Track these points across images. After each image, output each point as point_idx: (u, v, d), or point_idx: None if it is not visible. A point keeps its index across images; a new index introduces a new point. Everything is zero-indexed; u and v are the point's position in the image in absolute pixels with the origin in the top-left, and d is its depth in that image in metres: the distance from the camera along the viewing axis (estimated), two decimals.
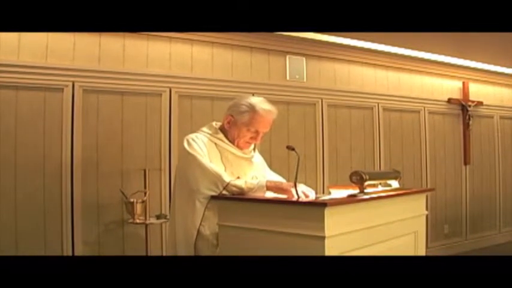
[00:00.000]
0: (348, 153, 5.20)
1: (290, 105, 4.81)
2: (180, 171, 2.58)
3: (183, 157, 2.56)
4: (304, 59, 4.93)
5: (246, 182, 2.43)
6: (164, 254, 3.91)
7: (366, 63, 5.39)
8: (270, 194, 2.45)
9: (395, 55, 5.50)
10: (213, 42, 4.37)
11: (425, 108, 5.90)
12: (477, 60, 6.13)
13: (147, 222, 3.68)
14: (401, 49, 5.46)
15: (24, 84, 3.52)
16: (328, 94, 5.05)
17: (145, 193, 3.72)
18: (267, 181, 2.49)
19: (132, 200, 3.65)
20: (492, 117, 6.65)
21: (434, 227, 5.86)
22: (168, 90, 4.11)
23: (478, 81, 6.46)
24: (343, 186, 2.62)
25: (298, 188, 2.31)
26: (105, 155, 3.81)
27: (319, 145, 4.98)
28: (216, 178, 2.38)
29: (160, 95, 4.08)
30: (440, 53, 5.76)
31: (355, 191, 2.30)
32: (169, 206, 3.33)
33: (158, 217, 3.81)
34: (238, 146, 2.59)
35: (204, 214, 2.41)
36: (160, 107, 4.08)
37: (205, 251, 2.42)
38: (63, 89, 3.66)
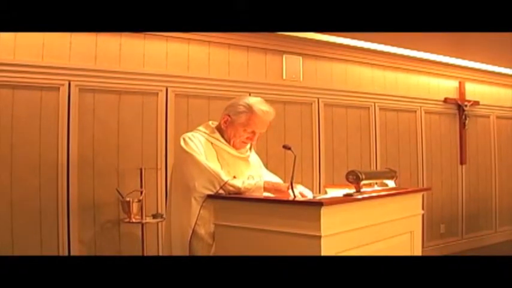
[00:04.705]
0: (345, 153, 5.21)
1: (286, 104, 4.81)
2: (177, 170, 2.58)
3: (179, 155, 2.56)
4: (300, 58, 4.93)
5: (243, 182, 2.44)
6: (160, 254, 3.91)
7: (362, 62, 5.39)
8: (267, 195, 2.46)
9: (392, 55, 5.51)
10: (209, 42, 4.37)
11: (422, 108, 5.91)
12: (474, 60, 6.15)
13: (144, 221, 3.68)
14: (398, 49, 5.47)
15: (21, 84, 3.51)
16: (325, 93, 5.06)
17: (141, 192, 3.72)
18: (265, 182, 2.50)
19: (128, 199, 3.65)
20: (488, 117, 6.67)
21: (430, 226, 5.87)
22: (164, 89, 4.11)
23: (474, 81, 6.47)
24: (340, 185, 2.63)
25: (296, 189, 2.32)
26: (101, 154, 3.81)
27: (315, 144, 4.98)
28: (214, 177, 2.39)
29: (157, 94, 4.08)
30: (436, 53, 5.77)
31: (352, 190, 2.30)
32: (166, 205, 3.33)
33: (154, 216, 3.81)
34: (234, 146, 2.60)
35: (199, 213, 2.41)
36: (156, 106, 4.07)
37: (200, 250, 2.42)
38: (59, 88, 3.65)
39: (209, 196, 2.39)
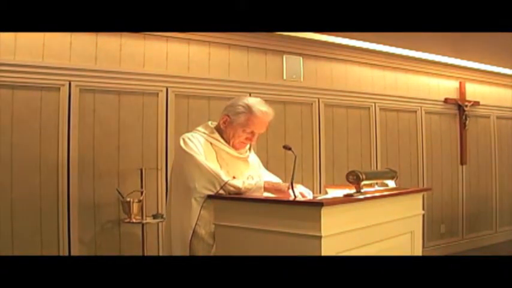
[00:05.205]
0: (345, 153, 5.21)
1: (287, 105, 4.81)
2: (176, 170, 2.58)
3: (179, 156, 2.55)
4: (301, 58, 4.93)
5: (243, 182, 2.44)
6: (161, 254, 3.91)
7: (363, 63, 5.40)
8: (267, 195, 2.46)
9: (393, 55, 5.51)
10: (209, 42, 4.37)
11: (422, 108, 5.91)
12: (474, 60, 6.15)
13: (144, 221, 3.68)
14: (399, 49, 5.47)
15: (21, 84, 3.51)
16: (325, 94, 5.06)
17: (141, 192, 3.72)
18: (265, 182, 2.50)
19: (128, 199, 3.65)
20: (489, 117, 6.66)
21: (430, 226, 5.87)
22: (164, 89, 4.11)
23: (474, 81, 6.47)
24: (340, 186, 2.63)
25: (296, 189, 2.32)
26: (102, 155, 3.81)
27: (315, 145, 4.98)
28: (214, 177, 2.39)
29: (157, 94, 4.08)
30: (437, 53, 5.77)
31: (352, 190, 2.30)
32: (166, 205, 3.33)
33: (155, 216, 3.81)
34: (233, 146, 2.60)
35: (199, 213, 2.41)
36: (157, 106, 4.07)
37: (200, 250, 2.41)
38: (59, 88, 3.66)
39: (209, 196, 2.39)
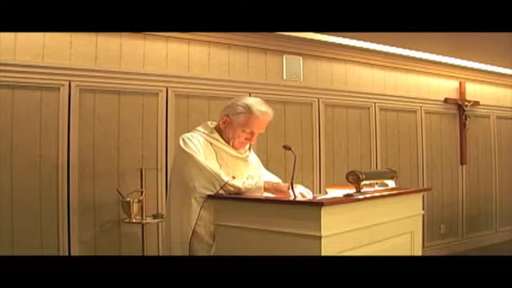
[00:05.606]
0: (345, 153, 5.21)
1: (287, 105, 4.81)
2: (176, 170, 2.58)
3: (179, 156, 2.55)
4: (301, 58, 4.93)
5: (243, 182, 2.44)
6: (161, 254, 3.91)
7: (363, 63, 5.40)
8: (267, 195, 2.46)
9: (392, 55, 5.51)
10: (209, 42, 4.37)
11: (422, 108, 5.91)
12: (474, 60, 6.15)
13: (144, 221, 3.68)
14: (398, 49, 5.47)
15: (21, 84, 3.51)
16: (325, 94, 5.06)
17: (141, 192, 3.72)
18: (265, 182, 2.50)
19: (128, 199, 3.65)
20: (489, 117, 6.66)
21: (430, 226, 5.87)
22: (164, 89, 4.11)
23: (474, 81, 6.47)
24: (340, 186, 2.63)
25: (296, 189, 2.32)
26: (102, 155, 3.81)
27: (315, 145, 4.98)
28: (214, 177, 2.39)
29: (157, 94, 4.08)
30: (437, 53, 5.77)
31: (352, 190, 2.30)
32: (166, 205, 3.33)
33: (155, 216, 3.81)
34: (233, 146, 2.60)
35: (199, 213, 2.41)
36: (157, 106, 4.07)
37: (200, 250, 2.42)
38: (59, 88, 3.65)
39: (209, 196, 2.39)
